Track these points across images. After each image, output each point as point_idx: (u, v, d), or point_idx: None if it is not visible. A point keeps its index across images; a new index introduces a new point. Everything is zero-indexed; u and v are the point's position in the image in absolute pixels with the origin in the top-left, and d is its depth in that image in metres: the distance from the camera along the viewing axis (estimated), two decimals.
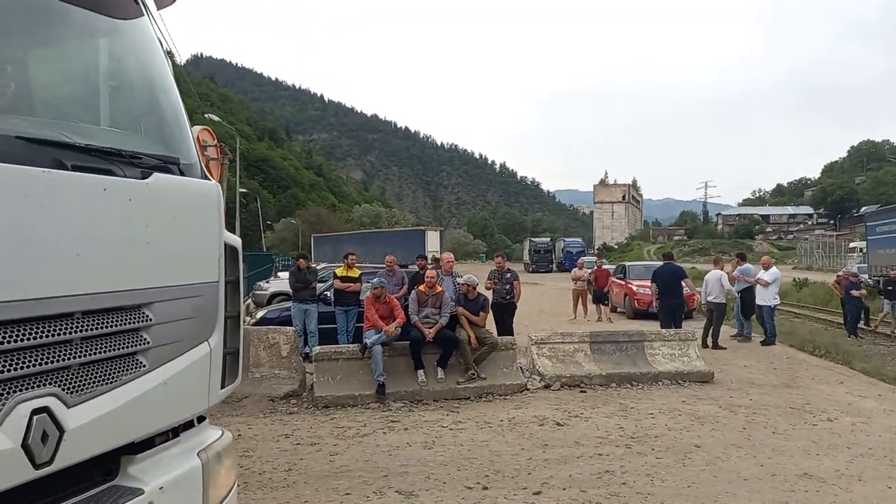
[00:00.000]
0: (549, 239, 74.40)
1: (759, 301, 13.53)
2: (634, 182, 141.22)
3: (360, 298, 11.03)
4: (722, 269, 13.99)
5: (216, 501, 2.65)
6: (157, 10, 2.77)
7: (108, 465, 2.26)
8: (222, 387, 2.75)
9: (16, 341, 1.86)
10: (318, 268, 15.77)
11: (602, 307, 18.96)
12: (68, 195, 2.05)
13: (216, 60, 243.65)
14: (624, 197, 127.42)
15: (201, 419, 2.74)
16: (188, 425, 2.64)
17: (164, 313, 2.38)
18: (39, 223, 1.94)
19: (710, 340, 12.97)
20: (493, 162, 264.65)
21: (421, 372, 8.85)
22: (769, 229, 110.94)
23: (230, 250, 2.80)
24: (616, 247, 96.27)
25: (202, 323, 2.60)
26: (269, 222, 75.05)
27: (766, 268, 13.77)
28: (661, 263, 14.55)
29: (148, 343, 2.33)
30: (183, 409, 2.56)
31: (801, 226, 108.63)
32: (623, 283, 19.91)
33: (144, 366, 2.31)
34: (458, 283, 9.63)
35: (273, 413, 8.02)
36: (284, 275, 20.31)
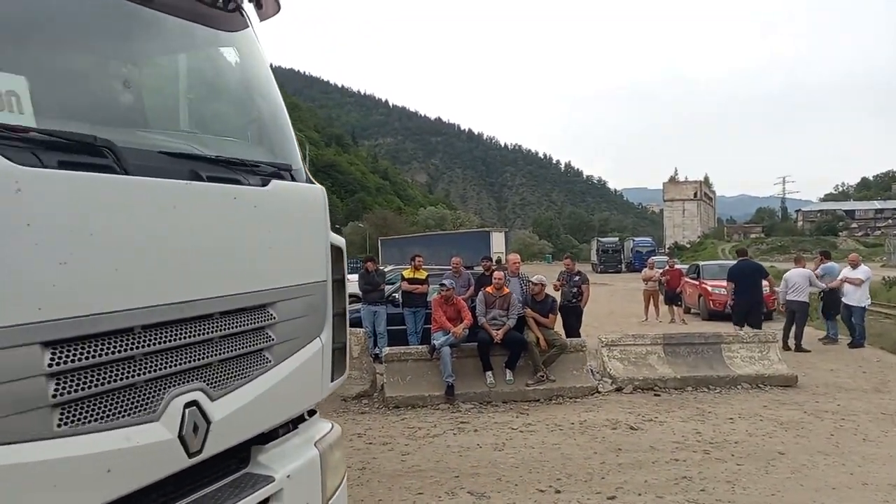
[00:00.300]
0: (617, 238, 72.88)
1: (848, 301, 12.81)
2: (706, 178, 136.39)
3: (428, 300, 11.12)
4: (804, 268, 13.34)
5: (331, 489, 2.82)
6: (260, 21, 2.88)
7: (241, 454, 2.45)
8: (332, 380, 2.91)
9: (170, 341, 2.06)
10: (386, 270, 15.99)
11: (675, 308, 18.43)
12: (206, 205, 2.26)
13: (285, 70, 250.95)
14: (696, 194, 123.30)
15: (311, 412, 2.91)
16: (301, 418, 2.82)
17: (285, 312, 2.56)
18: (185, 232, 2.16)
19: (791, 342, 12.39)
20: (557, 161, 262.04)
21: (489, 373, 8.83)
22: (854, 225, 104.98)
23: (335, 250, 2.97)
24: (688, 245, 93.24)
25: (315, 320, 2.77)
26: (337, 226, 76.67)
27: (855, 266, 13.03)
28: (735, 261, 13.97)
29: (273, 340, 2.51)
30: (302, 402, 2.75)
31: (890, 221, 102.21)
32: (697, 283, 19.28)
33: (270, 361, 2.50)
34: (530, 283, 9.56)
35: (346, 413, 8.18)
36: (353, 277, 20.68)
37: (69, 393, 1.75)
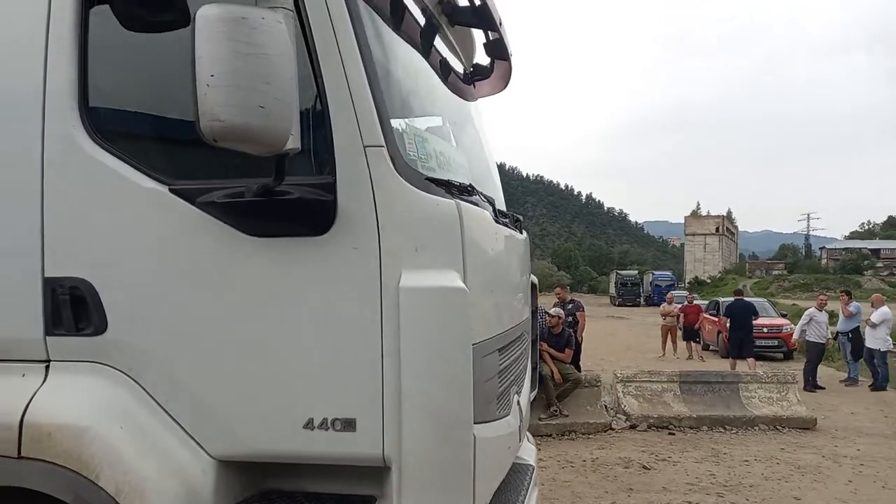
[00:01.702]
0: (636, 272, 72.26)
1: (868, 344, 12.65)
2: (729, 213, 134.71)
3: None
4: (820, 308, 13.30)
5: (538, 478, 3.58)
6: (474, 99, 3.43)
7: None
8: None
9: (515, 353, 2.74)
10: None
11: (693, 345, 18.22)
12: (518, 247, 3.05)
13: None
14: (718, 229, 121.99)
15: None
16: None
17: (526, 336, 3.24)
18: (518, 269, 3.00)
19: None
20: (578, 193, 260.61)
21: None
22: (880, 264, 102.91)
23: (532, 286, 3.61)
24: (709, 281, 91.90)
25: (528, 343, 3.40)
26: None
27: (876, 307, 12.84)
28: (732, 299, 15.35)
29: (525, 357, 3.15)
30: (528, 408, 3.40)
31: None
32: (716, 319, 19.06)
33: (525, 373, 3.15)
34: (547, 315, 9.53)
35: None
36: None
37: (499, 388, 2.41)
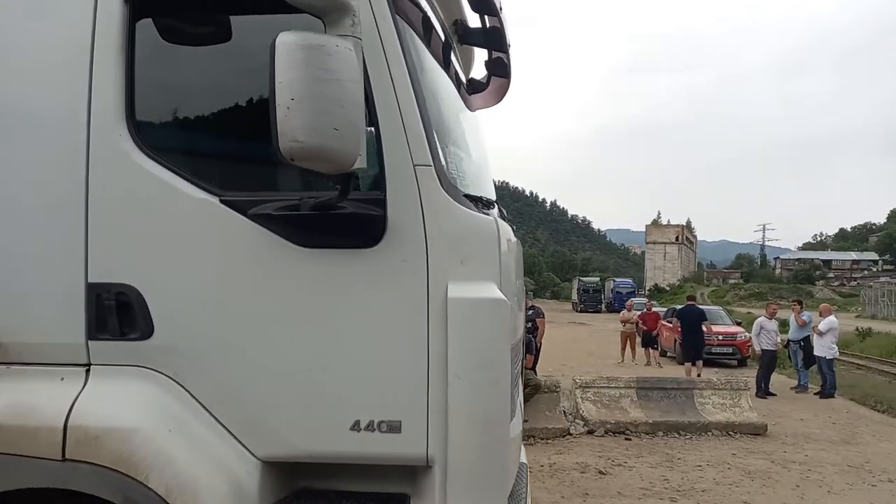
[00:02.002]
0: (598, 279, 73.30)
1: (816, 352, 13.07)
2: (689, 223, 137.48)
3: None
4: (770, 317, 13.72)
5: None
6: (472, 111, 3.45)
7: None
8: None
9: (520, 357, 2.82)
10: None
11: (651, 351, 18.53)
12: (521, 257, 3.12)
13: None
14: (677, 238, 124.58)
15: None
16: None
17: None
18: (519, 265, 3.00)
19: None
20: (543, 200, 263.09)
21: None
22: (831, 275, 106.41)
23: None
24: (668, 288, 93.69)
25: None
26: None
27: (824, 316, 13.28)
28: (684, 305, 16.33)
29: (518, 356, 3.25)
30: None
31: (865, 272, 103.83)
32: (673, 326, 19.43)
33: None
34: None
35: None
36: None
37: (512, 390, 2.39)
